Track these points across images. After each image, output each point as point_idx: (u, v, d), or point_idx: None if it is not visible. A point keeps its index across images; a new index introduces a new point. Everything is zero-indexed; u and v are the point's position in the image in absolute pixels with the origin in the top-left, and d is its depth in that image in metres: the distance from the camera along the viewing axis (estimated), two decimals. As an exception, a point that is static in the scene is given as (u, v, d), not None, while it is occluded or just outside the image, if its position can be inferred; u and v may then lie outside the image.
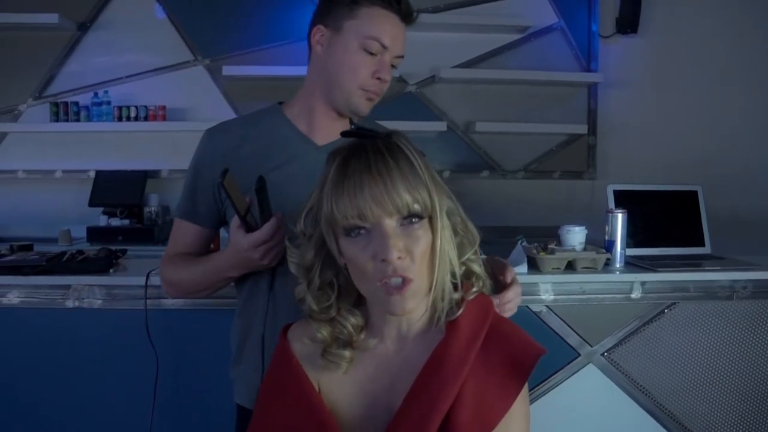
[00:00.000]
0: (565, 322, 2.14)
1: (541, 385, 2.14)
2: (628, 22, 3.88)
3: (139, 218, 3.62)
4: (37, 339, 2.09)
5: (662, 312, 2.18)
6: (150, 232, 3.51)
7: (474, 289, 1.11)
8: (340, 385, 1.11)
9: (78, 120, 3.66)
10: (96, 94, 3.67)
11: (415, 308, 1.05)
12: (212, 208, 1.50)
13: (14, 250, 2.29)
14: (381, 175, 0.98)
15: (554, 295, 2.12)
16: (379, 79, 1.43)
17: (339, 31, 1.43)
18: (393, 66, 1.46)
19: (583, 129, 3.94)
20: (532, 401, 2.11)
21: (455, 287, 1.09)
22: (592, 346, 2.16)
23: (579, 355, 2.15)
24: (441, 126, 3.83)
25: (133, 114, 3.65)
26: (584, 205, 3.78)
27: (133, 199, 3.60)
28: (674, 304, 2.18)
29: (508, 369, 1.06)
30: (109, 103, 3.66)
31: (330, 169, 1.02)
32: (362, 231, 1.00)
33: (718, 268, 2.22)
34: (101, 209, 3.62)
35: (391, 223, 0.98)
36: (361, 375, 1.11)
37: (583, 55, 3.97)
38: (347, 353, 1.09)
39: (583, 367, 2.16)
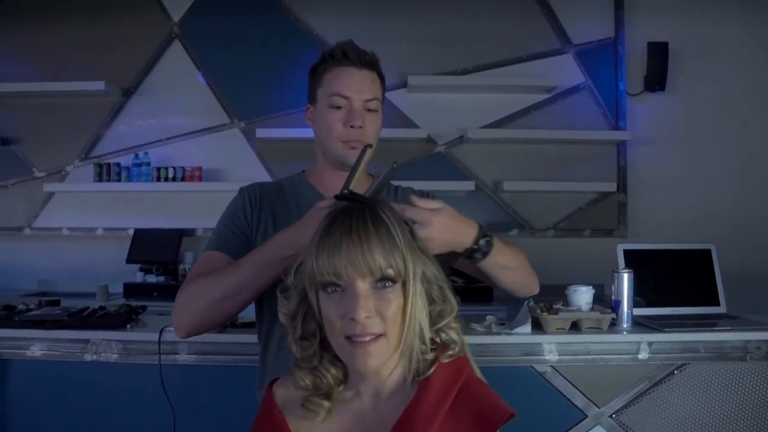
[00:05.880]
0: (570, 382, 2.12)
1: (548, 447, 2.12)
2: (656, 80, 3.89)
3: (174, 275, 3.74)
4: (57, 390, 2.19)
5: (672, 373, 2.14)
6: (184, 288, 3.61)
7: (449, 353, 1.14)
8: None
9: (119, 180, 3.85)
10: (137, 156, 3.87)
11: (378, 367, 1.08)
12: (244, 245, 1.57)
13: (42, 304, 2.40)
14: (360, 238, 1.03)
15: (559, 355, 2.11)
16: (352, 127, 1.54)
17: (315, 102, 1.60)
18: (371, 110, 1.56)
19: (612, 187, 3.93)
20: (539, 463, 2.10)
21: (428, 349, 1.12)
22: (599, 408, 2.13)
23: (586, 416, 2.13)
24: (469, 185, 3.88)
25: (171, 174, 3.82)
26: (616, 263, 3.74)
27: (169, 256, 3.73)
28: (684, 365, 2.14)
29: (476, 430, 1.07)
30: (148, 164, 3.85)
31: (319, 227, 1.09)
32: (338, 289, 1.05)
33: (729, 328, 2.18)
34: (138, 266, 3.76)
35: (363, 285, 1.03)
36: (339, 428, 1.14)
37: (611, 113, 3.98)
38: (326, 403, 1.12)
39: (591, 429, 2.13)
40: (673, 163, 3.98)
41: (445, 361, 1.13)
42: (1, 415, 2.18)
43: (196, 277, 1.50)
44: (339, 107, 1.54)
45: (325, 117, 1.56)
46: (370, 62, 1.57)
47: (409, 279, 1.05)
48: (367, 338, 1.04)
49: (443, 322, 1.13)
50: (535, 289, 1.62)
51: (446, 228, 1.34)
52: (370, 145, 1.40)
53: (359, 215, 1.07)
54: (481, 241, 1.40)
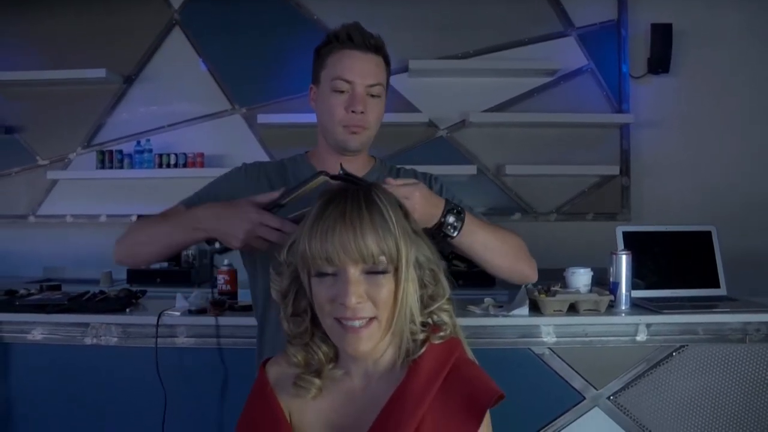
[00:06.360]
0: (568, 364, 2.12)
1: (545, 429, 2.13)
2: (660, 62, 3.86)
3: (177, 261, 3.75)
4: (57, 373, 2.21)
5: (670, 355, 2.13)
6: (187, 274, 3.64)
7: (440, 334, 1.14)
8: (310, 415, 1.15)
9: (122, 167, 3.87)
10: (139, 143, 3.88)
11: (368, 352, 1.09)
12: None
13: (43, 289, 2.42)
14: (353, 223, 1.03)
15: (556, 337, 2.11)
16: (353, 112, 1.52)
17: (318, 83, 1.58)
18: (374, 96, 1.55)
19: (615, 170, 3.90)
20: (537, 445, 2.11)
21: (419, 330, 1.12)
22: (597, 390, 2.13)
23: (584, 398, 2.13)
24: (471, 169, 3.86)
25: (173, 161, 3.83)
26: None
27: (172, 242, 3.72)
28: (683, 346, 2.13)
29: (466, 410, 1.07)
30: (150, 150, 3.86)
31: (314, 209, 1.09)
32: (329, 274, 1.05)
33: (728, 310, 2.17)
34: (142, 252, 3.76)
35: (355, 272, 1.03)
36: (330, 408, 1.15)
37: (614, 96, 3.95)
38: (317, 381, 1.13)
39: (589, 410, 2.14)
40: (676, 146, 3.95)
41: (437, 342, 1.13)
42: (2, 398, 2.21)
43: (147, 218, 1.61)
44: (341, 91, 1.52)
45: (327, 100, 1.54)
46: (375, 46, 1.54)
47: (402, 265, 1.05)
48: (357, 323, 1.04)
49: (435, 305, 1.13)
50: (532, 276, 1.60)
51: (424, 201, 1.37)
52: (325, 172, 1.35)
53: (354, 199, 1.06)
54: (450, 217, 1.41)
